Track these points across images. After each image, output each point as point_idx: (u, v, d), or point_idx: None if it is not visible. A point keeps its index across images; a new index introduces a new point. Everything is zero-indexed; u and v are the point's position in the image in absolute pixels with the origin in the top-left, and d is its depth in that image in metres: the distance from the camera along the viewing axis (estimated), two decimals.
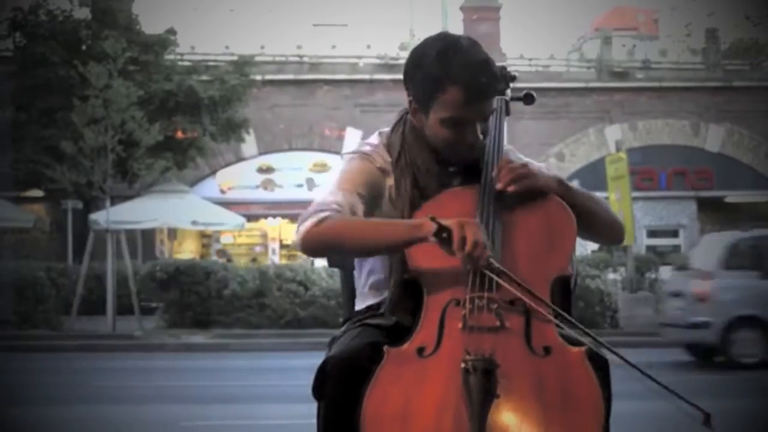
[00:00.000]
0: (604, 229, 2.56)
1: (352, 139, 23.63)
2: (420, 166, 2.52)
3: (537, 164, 2.58)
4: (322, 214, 2.39)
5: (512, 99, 2.69)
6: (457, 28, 25.39)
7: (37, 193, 22.09)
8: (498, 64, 2.66)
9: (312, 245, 2.40)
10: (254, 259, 24.41)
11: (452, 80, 2.38)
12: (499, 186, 2.42)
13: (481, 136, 2.48)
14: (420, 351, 2.24)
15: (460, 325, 2.24)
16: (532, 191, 2.44)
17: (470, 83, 2.38)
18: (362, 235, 2.39)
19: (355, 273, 2.75)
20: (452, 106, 2.41)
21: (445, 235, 2.24)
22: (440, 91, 2.40)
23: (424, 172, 2.52)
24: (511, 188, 2.41)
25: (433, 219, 2.25)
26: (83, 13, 19.47)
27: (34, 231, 22.43)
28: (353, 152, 2.59)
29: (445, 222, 2.24)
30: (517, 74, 2.66)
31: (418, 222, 2.32)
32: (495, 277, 2.26)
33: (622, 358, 2.20)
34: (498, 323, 2.23)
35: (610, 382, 2.32)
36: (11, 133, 18.36)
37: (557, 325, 2.26)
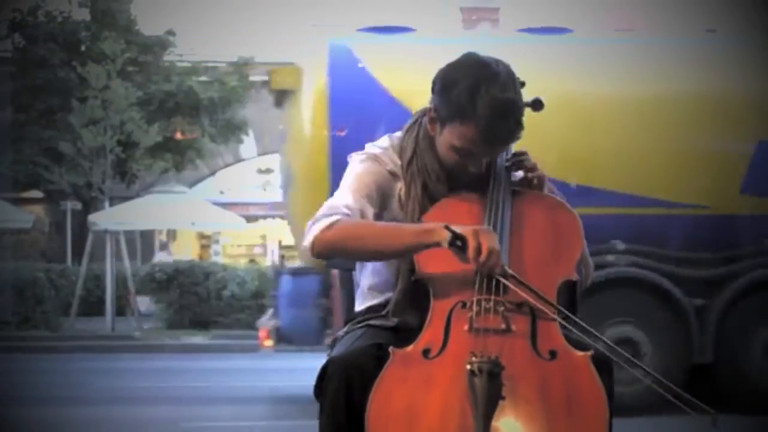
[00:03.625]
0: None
1: None
2: (431, 173, 2.53)
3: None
4: (333, 218, 2.40)
5: None
6: (456, 28, 25.37)
7: (36, 194, 22.07)
8: None
9: (322, 249, 2.40)
10: (252, 260, 24.39)
11: (474, 119, 2.38)
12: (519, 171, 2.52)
13: (483, 168, 2.50)
14: (426, 352, 2.24)
15: (466, 327, 2.25)
16: (540, 184, 2.52)
17: (489, 129, 2.39)
18: (373, 240, 2.39)
19: (355, 274, 2.75)
20: (465, 140, 2.43)
21: (459, 243, 2.25)
22: (459, 122, 2.41)
23: (434, 179, 2.53)
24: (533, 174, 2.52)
25: (447, 227, 2.25)
26: (82, 14, 19.44)
27: (33, 232, 22.41)
28: (363, 154, 2.60)
29: (459, 230, 2.25)
30: (525, 81, 2.63)
31: (431, 227, 2.32)
32: (506, 282, 2.27)
33: (635, 362, 2.21)
34: (504, 326, 2.24)
35: (613, 386, 2.33)
36: (10, 134, 18.34)
37: (564, 327, 2.27)
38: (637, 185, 8.12)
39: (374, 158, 2.58)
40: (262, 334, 8.93)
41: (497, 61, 2.47)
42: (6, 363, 11.88)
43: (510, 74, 2.44)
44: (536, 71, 8.00)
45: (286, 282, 8.84)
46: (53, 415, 8.12)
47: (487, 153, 2.46)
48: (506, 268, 2.28)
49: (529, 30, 8.56)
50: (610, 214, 8.04)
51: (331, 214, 2.42)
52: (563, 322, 2.27)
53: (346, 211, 2.44)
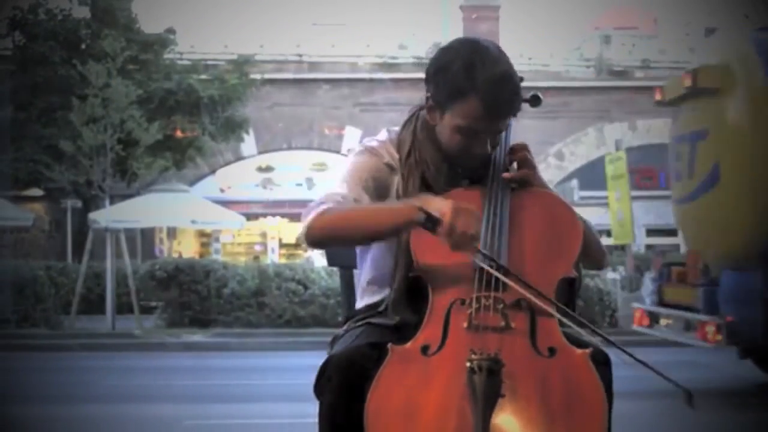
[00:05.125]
0: (589, 251, 2.52)
1: (352, 138, 23.65)
2: (429, 164, 2.53)
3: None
4: (325, 206, 2.41)
5: None
6: (456, 27, 25.40)
7: (37, 192, 22.08)
8: None
9: (315, 237, 2.41)
10: (256, 257, 24.44)
11: (475, 92, 2.39)
12: (507, 173, 2.48)
13: (489, 149, 2.49)
14: (424, 349, 2.24)
15: (465, 324, 2.24)
16: (528, 182, 2.50)
17: (492, 99, 2.39)
18: (357, 221, 2.41)
19: (356, 271, 2.75)
20: (469, 117, 2.42)
21: (431, 225, 2.26)
22: (461, 99, 2.42)
23: (433, 170, 2.53)
24: (510, 174, 2.49)
25: (421, 208, 2.26)
26: (83, 12, 19.45)
27: (34, 230, 22.43)
28: (360, 147, 2.61)
29: (434, 211, 2.25)
30: (523, 77, 2.65)
31: (407, 207, 2.33)
32: (501, 277, 2.26)
33: (612, 342, 2.22)
34: (503, 323, 2.24)
35: (612, 382, 2.33)
36: (10, 132, 18.34)
37: (560, 321, 2.26)
38: None
39: (371, 150, 2.58)
40: (710, 328, 8.72)
41: (485, 39, 2.51)
42: (6, 361, 11.88)
43: (499, 49, 2.47)
44: None
45: (728, 277, 8.64)
46: (53, 413, 8.11)
47: (492, 127, 2.46)
48: (484, 251, 2.27)
49: None
50: None
51: (324, 203, 2.43)
52: (561, 318, 2.26)
53: (340, 199, 2.45)
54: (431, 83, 2.50)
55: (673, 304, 9.57)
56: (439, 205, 2.28)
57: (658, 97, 9.88)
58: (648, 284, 10.21)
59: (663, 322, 9.76)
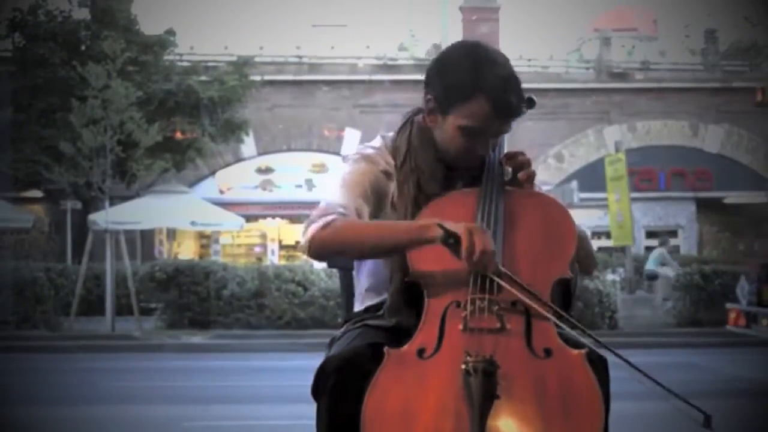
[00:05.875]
0: (578, 257, 2.52)
1: (351, 139, 23.66)
2: (425, 170, 2.54)
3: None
4: (328, 218, 2.40)
5: None
6: (456, 28, 25.41)
7: (36, 193, 22.10)
8: None
9: (319, 250, 2.41)
10: (259, 259, 24.47)
11: (482, 91, 2.41)
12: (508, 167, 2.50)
13: (489, 151, 2.51)
14: (420, 352, 2.24)
15: (460, 327, 2.24)
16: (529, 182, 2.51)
17: (500, 99, 2.42)
18: (368, 238, 2.40)
19: (354, 274, 2.75)
20: (475, 116, 2.44)
21: (452, 240, 2.25)
22: (467, 99, 2.43)
23: (428, 176, 2.53)
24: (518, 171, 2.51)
25: (440, 225, 2.26)
26: (82, 14, 19.48)
27: (33, 231, 22.43)
28: (356, 155, 2.60)
29: (452, 228, 2.25)
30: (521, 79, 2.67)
31: (424, 225, 2.33)
32: (497, 280, 2.27)
33: (625, 360, 2.20)
34: (499, 325, 2.24)
35: (609, 383, 2.33)
36: (10, 133, 18.35)
37: (557, 325, 2.27)
38: None
39: (367, 158, 2.58)
40: None
41: (486, 43, 2.54)
42: (5, 362, 11.88)
43: (502, 53, 2.50)
44: None
45: None
46: (53, 414, 8.12)
47: (496, 128, 2.47)
48: (500, 267, 2.27)
49: None
50: None
51: (327, 214, 2.42)
52: (557, 322, 2.26)
53: (342, 210, 2.44)
54: (433, 84, 2.52)
55: None
56: (452, 225, 2.27)
57: (759, 98, 9.94)
58: (744, 285, 10.22)
59: (764, 322, 9.79)
